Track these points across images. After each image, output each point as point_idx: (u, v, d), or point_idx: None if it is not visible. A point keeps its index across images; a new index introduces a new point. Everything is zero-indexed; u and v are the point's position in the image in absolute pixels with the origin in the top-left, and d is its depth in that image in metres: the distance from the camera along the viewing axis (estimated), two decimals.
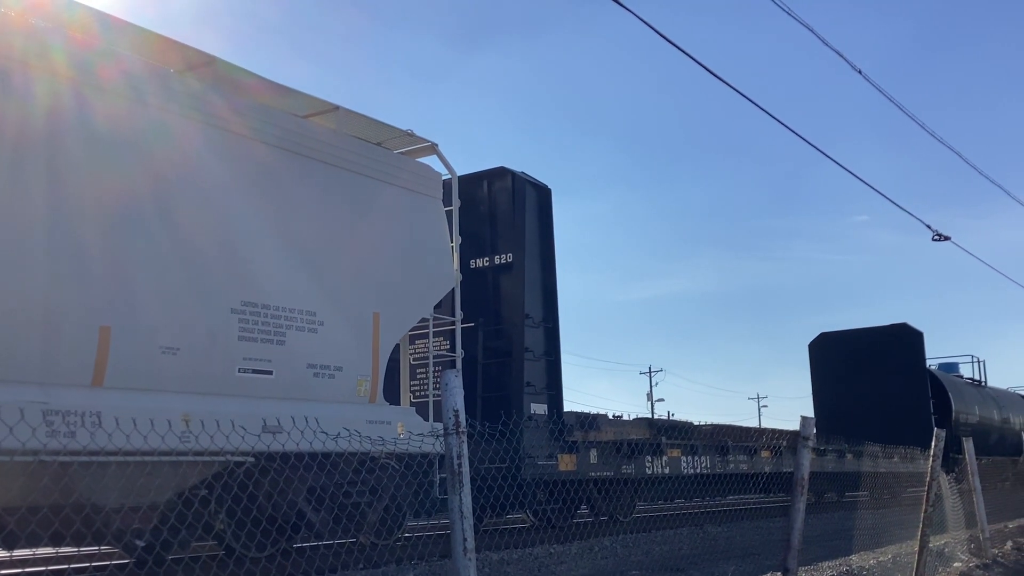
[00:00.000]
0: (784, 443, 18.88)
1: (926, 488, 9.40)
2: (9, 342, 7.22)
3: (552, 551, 10.71)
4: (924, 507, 9.28)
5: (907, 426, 22.93)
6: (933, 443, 9.55)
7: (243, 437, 6.50)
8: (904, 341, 26.72)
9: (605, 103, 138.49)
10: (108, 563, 8.48)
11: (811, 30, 11.97)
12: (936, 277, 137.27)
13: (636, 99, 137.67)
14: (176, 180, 8.68)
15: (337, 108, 10.77)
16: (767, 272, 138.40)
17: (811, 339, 28.65)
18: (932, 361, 29.60)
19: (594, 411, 15.75)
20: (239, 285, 9.03)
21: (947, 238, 21.52)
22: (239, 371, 8.90)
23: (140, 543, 8.07)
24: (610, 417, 16.17)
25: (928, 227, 21.19)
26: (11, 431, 5.28)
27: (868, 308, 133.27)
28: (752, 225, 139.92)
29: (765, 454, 19.33)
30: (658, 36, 9.14)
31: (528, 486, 12.84)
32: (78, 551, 8.85)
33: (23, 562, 8.65)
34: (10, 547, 7.87)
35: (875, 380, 26.05)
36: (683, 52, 9.81)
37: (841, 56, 13.43)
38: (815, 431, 7.00)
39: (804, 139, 14.99)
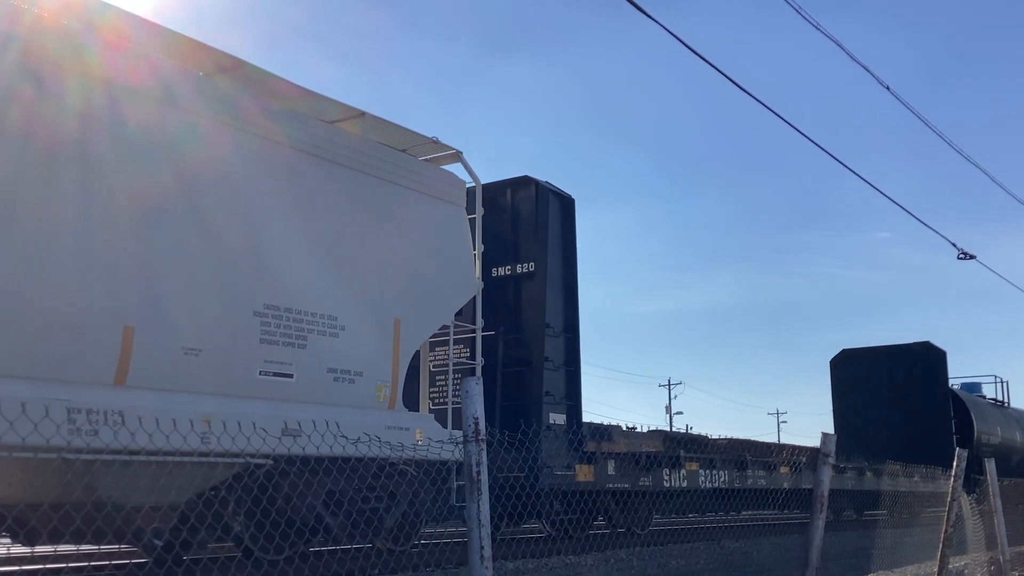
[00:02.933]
0: (803, 459, 18.74)
1: (947, 508, 9.31)
2: (34, 339, 7.29)
3: (568, 562, 10.68)
4: (944, 527, 9.20)
5: (928, 445, 22.73)
6: (955, 463, 9.46)
7: (264, 440, 6.53)
8: (927, 360, 26.52)
9: (629, 114, 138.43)
10: (128, 561, 8.54)
11: (839, 45, 11.94)
12: (960, 296, 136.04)
13: (660, 110, 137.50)
14: (204, 183, 8.75)
15: (364, 114, 10.83)
16: (788, 287, 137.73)
17: (832, 355, 28.49)
18: (955, 381, 29.36)
19: (612, 422, 15.69)
20: (262, 288, 9.08)
21: (972, 257, 21.35)
22: (260, 374, 8.95)
23: (159, 542, 8.12)
24: (624, 428, 16.10)
25: (953, 245, 21.04)
26: (35, 427, 5.33)
27: (890, 326, 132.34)
28: (774, 239, 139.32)
29: (784, 470, 19.19)
30: (683, 47, 9.14)
31: (545, 496, 12.82)
32: (98, 549, 8.91)
33: (43, 559, 8.72)
34: (32, 543, 7.94)
35: (896, 398, 25.86)
36: (707, 63, 9.80)
37: (868, 71, 13.38)
38: (835, 448, 6.94)
39: (828, 152, 14.92)
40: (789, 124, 11.61)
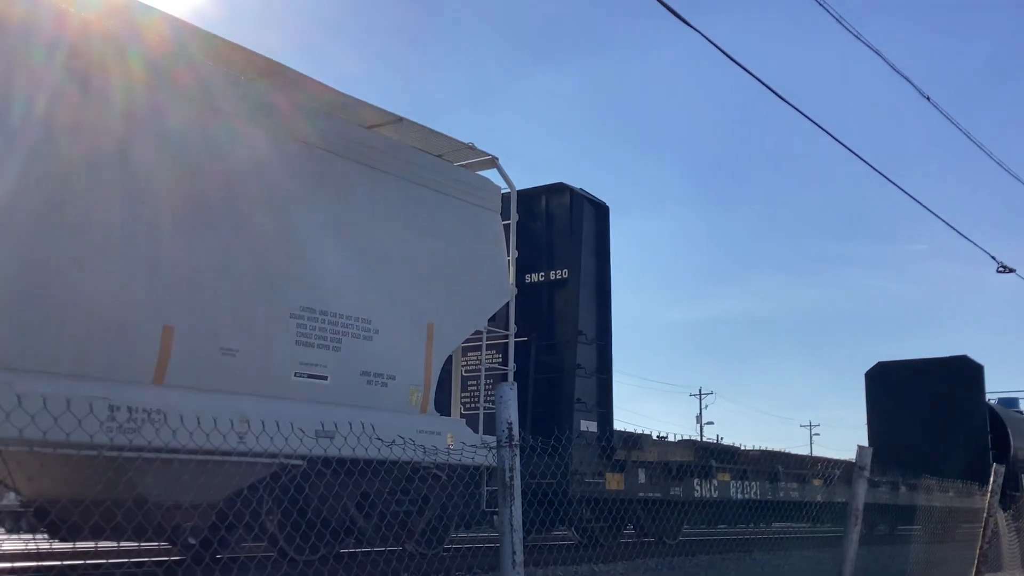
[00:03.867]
0: (837, 472, 18.56)
1: (982, 524, 9.22)
2: (76, 337, 7.43)
3: (597, 570, 10.66)
4: (980, 543, 9.10)
5: (964, 460, 22.43)
6: (992, 479, 9.36)
7: (301, 441, 6.60)
8: (963, 374, 26.19)
9: (664, 121, 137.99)
10: (165, 559, 8.66)
11: (879, 54, 11.87)
12: (999, 310, 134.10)
13: (695, 117, 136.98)
14: (243, 186, 8.87)
15: (401, 119, 10.92)
16: (823, 298, 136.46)
17: (867, 368, 28.21)
18: (992, 395, 28.97)
19: (643, 431, 15.64)
20: (298, 290, 9.18)
21: (1012, 270, 21.08)
22: (295, 375, 9.04)
23: (194, 541, 8.22)
24: (655, 438, 16.04)
25: (993, 258, 20.81)
26: (79, 423, 5.43)
27: (927, 339, 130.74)
28: (809, 249, 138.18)
29: (817, 482, 19.03)
30: (720, 54, 9.13)
31: (575, 503, 12.80)
32: (137, 546, 9.04)
33: (84, 554, 8.86)
34: (73, 539, 8.08)
35: (932, 413, 25.55)
36: (745, 70, 9.79)
37: (909, 81, 13.28)
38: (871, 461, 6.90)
39: (866, 162, 14.82)
40: (827, 133, 11.56)
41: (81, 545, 8.40)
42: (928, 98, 14.31)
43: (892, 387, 27.01)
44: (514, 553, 4.17)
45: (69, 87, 7.57)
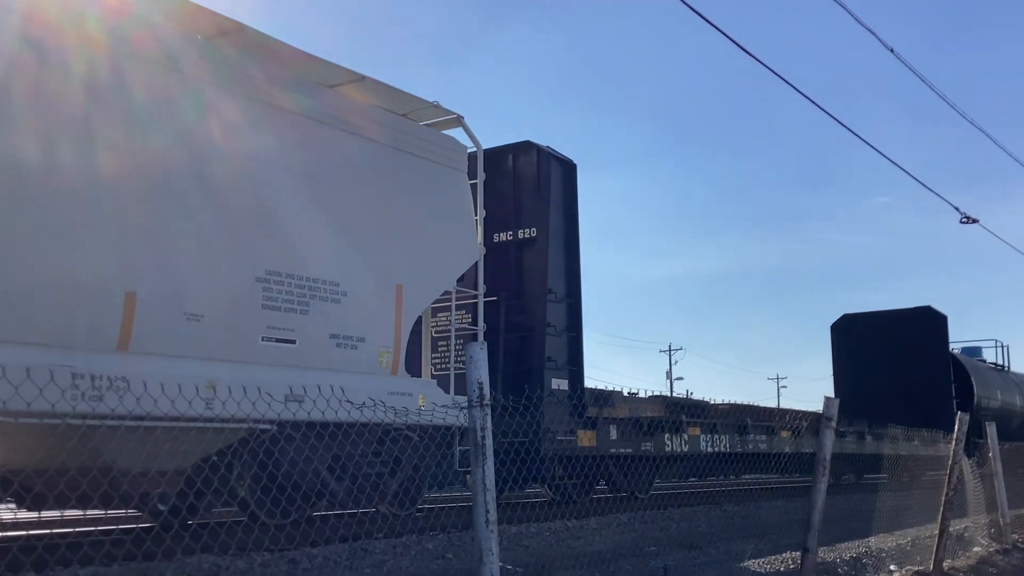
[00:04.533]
0: (804, 424, 18.82)
1: (948, 472, 9.35)
2: (37, 305, 7.29)
3: (570, 526, 10.75)
4: (945, 491, 9.24)
5: (928, 409, 22.80)
6: (956, 427, 9.49)
7: (269, 405, 6.54)
8: (928, 324, 26.56)
9: (632, 78, 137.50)
10: (134, 526, 8.60)
11: (843, 6, 11.81)
12: (962, 260, 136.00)
13: (664, 75, 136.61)
14: (205, 148, 8.70)
15: (364, 78, 10.74)
16: (789, 252, 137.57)
17: (833, 320, 28.54)
18: (955, 345, 29.43)
19: (613, 388, 15.74)
20: (264, 254, 9.06)
21: (975, 221, 21.30)
22: (262, 339, 8.96)
23: (164, 507, 8.17)
24: (625, 394, 16.16)
25: (956, 209, 21.00)
26: (40, 392, 5.33)
27: (892, 291, 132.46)
28: (775, 204, 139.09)
29: (784, 434, 19.29)
30: (688, 10, 9.03)
31: (548, 461, 12.87)
32: (104, 514, 8.97)
33: (50, 523, 8.77)
34: (38, 508, 7.99)
35: (897, 363, 25.92)
36: (711, 24, 9.70)
37: (873, 34, 13.26)
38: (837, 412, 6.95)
39: (831, 115, 14.87)
40: (792, 86, 11.54)
41: (47, 514, 8.32)
42: (892, 50, 14.30)
43: (857, 338, 27.36)
44: (487, 512, 4.15)
45: (23, 54, 7.35)
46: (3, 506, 9.76)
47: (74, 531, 7.86)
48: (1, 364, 5.97)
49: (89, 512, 8.39)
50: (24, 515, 8.57)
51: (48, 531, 7.86)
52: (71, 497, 6.93)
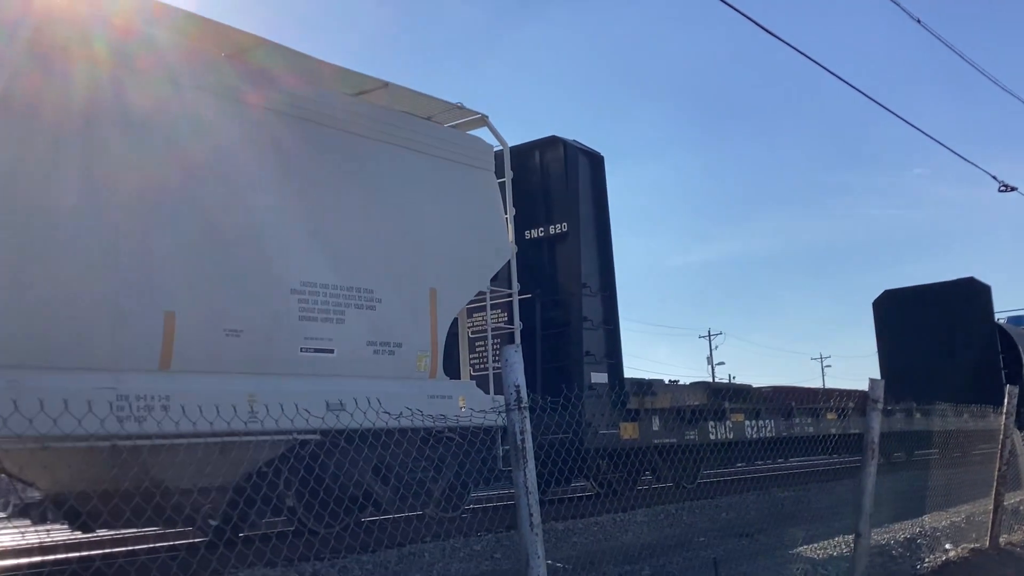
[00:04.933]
0: (851, 404, 18.59)
1: (999, 446, 9.20)
2: (80, 331, 7.39)
3: (617, 519, 10.71)
4: (998, 465, 9.10)
5: (977, 382, 22.44)
6: (1006, 400, 9.33)
7: (306, 419, 6.57)
8: (971, 296, 26.14)
9: (658, 65, 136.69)
10: (184, 541, 8.70)
11: None
12: (1003, 229, 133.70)
13: (690, 59, 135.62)
14: (233, 165, 8.76)
15: (387, 84, 10.75)
16: (826, 230, 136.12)
17: (875, 297, 28.17)
18: (1001, 315, 28.97)
19: (654, 377, 15.64)
20: (297, 266, 9.11)
21: (1014, 188, 20.93)
22: (301, 350, 9.01)
23: (213, 523, 8.24)
24: (666, 382, 16.04)
25: (994, 178, 20.65)
26: (80, 420, 5.39)
27: (933, 263, 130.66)
28: (810, 183, 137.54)
29: (831, 416, 19.06)
30: None
31: (591, 456, 12.83)
32: (156, 531, 9.07)
33: (103, 543, 8.90)
34: (88, 531, 8.10)
35: (942, 336, 25.54)
36: (735, 9, 9.59)
37: (898, 5, 13.04)
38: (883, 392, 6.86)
39: (861, 91, 14.63)
40: (820, 65, 11.40)
41: (99, 534, 8.44)
42: (919, 20, 14.07)
43: (900, 314, 26.98)
44: (531, 515, 4.14)
45: (52, 74, 7.44)
46: (57, 527, 9.93)
47: (126, 550, 7.97)
48: (47, 389, 6.07)
49: (141, 530, 8.50)
50: (77, 537, 8.72)
51: (101, 551, 7.98)
52: (121, 517, 7.02)
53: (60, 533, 9.76)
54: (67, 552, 8.52)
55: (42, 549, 8.99)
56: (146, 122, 8.05)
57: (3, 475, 7.94)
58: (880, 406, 6.70)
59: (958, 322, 25.62)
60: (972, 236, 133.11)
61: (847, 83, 11.82)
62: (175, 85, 8.38)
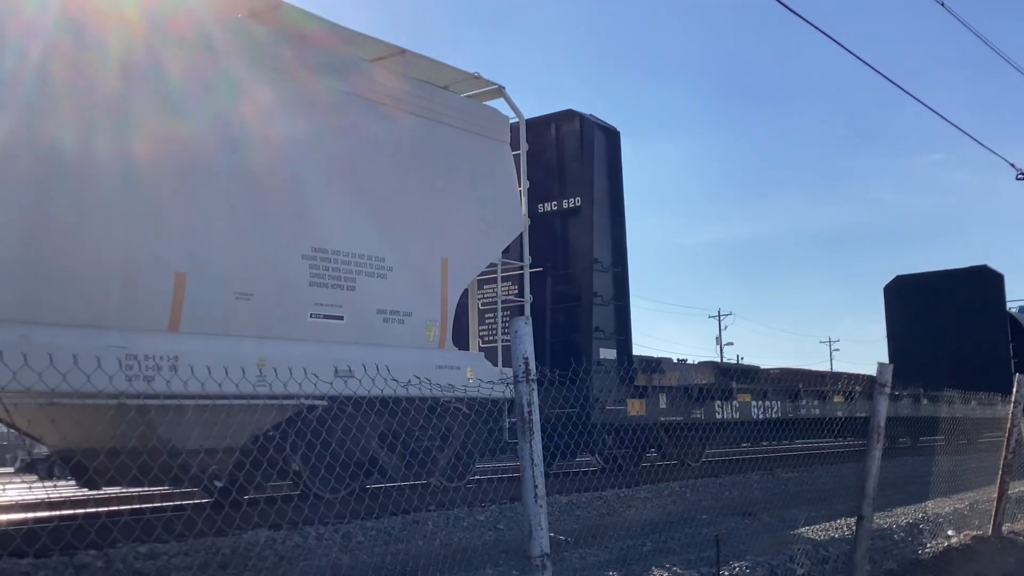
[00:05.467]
0: (859, 388, 18.56)
1: (1006, 434, 9.17)
2: (91, 288, 7.41)
3: (621, 494, 10.74)
4: (1004, 453, 9.07)
5: (986, 370, 22.38)
6: (1014, 388, 9.29)
7: (315, 384, 6.58)
8: (984, 284, 26.01)
9: (676, 43, 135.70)
10: (189, 502, 8.76)
11: None
12: (1019, 218, 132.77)
13: (707, 37, 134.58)
14: (246, 128, 8.74)
15: (404, 52, 10.69)
16: (839, 213, 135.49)
17: (886, 282, 28.07)
18: (1013, 304, 28.81)
19: (662, 355, 15.62)
20: (309, 232, 9.11)
21: None
22: (311, 316, 9.02)
23: (218, 484, 8.30)
24: (674, 361, 16.03)
25: (1012, 165, 20.46)
26: (94, 372, 5.41)
27: (946, 250, 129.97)
28: (826, 166, 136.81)
29: (838, 399, 19.04)
30: None
31: (597, 431, 12.86)
32: (160, 490, 9.14)
33: (108, 500, 8.97)
34: (97, 486, 8.17)
35: (953, 324, 25.44)
36: None
37: None
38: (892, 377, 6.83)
39: (880, 72, 14.54)
40: (839, 43, 11.28)
41: (106, 491, 8.50)
42: (942, 3, 13.89)
43: (911, 300, 26.88)
44: (536, 487, 4.13)
45: (64, 36, 7.43)
46: (63, 484, 10.01)
47: (132, 508, 8.04)
48: (57, 346, 6.10)
49: (146, 489, 8.56)
50: (84, 493, 8.79)
51: (107, 508, 8.05)
52: (128, 475, 7.07)
53: (67, 489, 9.85)
54: (73, 508, 8.59)
55: (49, 504, 9.07)
56: (162, 85, 8.03)
57: (12, 430, 8.00)
58: (887, 390, 6.66)
59: (969, 310, 25.51)
60: (987, 224, 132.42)
61: (866, 63, 11.70)
62: (191, 44, 8.34)
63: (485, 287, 12.60)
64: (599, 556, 7.03)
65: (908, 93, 13.72)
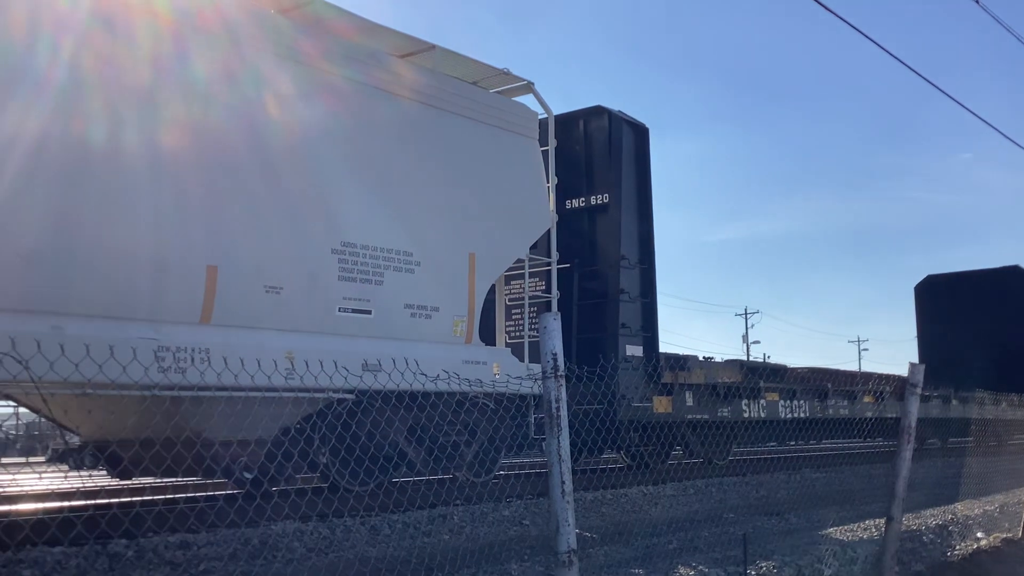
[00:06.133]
0: (888, 389, 18.40)
1: None
2: (124, 281, 7.50)
3: (647, 492, 10.74)
4: None
5: (1018, 372, 22.12)
6: None
7: (345, 378, 6.62)
8: (1016, 284, 25.75)
9: (705, 39, 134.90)
10: (219, 493, 8.84)
11: None
12: None
13: (736, 34, 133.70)
14: (277, 123, 8.80)
15: (434, 47, 10.72)
16: (869, 212, 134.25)
17: (916, 282, 27.83)
18: None
19: (688, 352, 15.58)
20: (339, 226, 9.16)
21: None
22: (339, 310, 9.08)
23: (248, 476, 8.38)
24: (701, 359, 15.98)
25: None
26: (128, 364, 5.48)
27: (978, 249, 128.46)
28: (855, 164, 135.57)
29: (867, 399, 18.89)
30: None
31: (623, 428, 12.84)
32: (191, 482, 9.23)
33: (140, 491, 9.08)
34: (128, 477, 8.27)
35: (984, 324, 25.20)
36: None
37: None
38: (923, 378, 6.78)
39: (912, 68, 14.37)
40: (871, 40, 11.17)
41: (137, 482, 8.60)
42: (977, 1, 13.73)
43: (942, 300, 26.65)
44: (563, 483, 4.14)
45: (97, 31, 7.51)
46: (95, 473, 10.14)
47: (163, 498, 8.13)
48: (89, 337, 6.18)
49: (177, 480, 8.66)
50: (116, 483, 8.90)
51: (138, 498, 8.16)
52: (161, 465, 7.15)
53: (98, 479, 9.98)
54: (108, 498, 8.71)
55: (84, 493, 9.20)
56: (196, 79, 8.10)
57: (47, 420, 8.11)
58: (919, 391, 6.63)
59: (1001, 310, 25.25)
60: (1020, 223, 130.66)
61: (897, 58, 11.61)
62: (224, 39, 8.41)
63: (512, 283, 12.62)
64: (624, 553, 7.04)
65: (939, 88, 13.61)
